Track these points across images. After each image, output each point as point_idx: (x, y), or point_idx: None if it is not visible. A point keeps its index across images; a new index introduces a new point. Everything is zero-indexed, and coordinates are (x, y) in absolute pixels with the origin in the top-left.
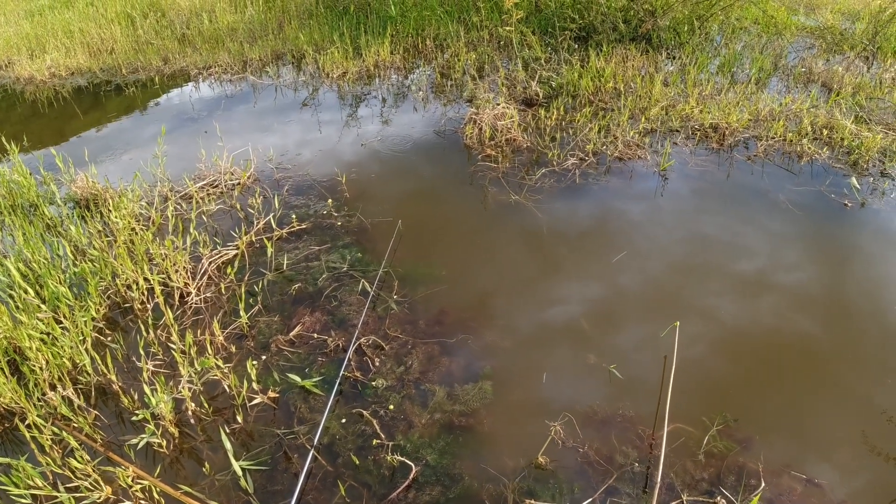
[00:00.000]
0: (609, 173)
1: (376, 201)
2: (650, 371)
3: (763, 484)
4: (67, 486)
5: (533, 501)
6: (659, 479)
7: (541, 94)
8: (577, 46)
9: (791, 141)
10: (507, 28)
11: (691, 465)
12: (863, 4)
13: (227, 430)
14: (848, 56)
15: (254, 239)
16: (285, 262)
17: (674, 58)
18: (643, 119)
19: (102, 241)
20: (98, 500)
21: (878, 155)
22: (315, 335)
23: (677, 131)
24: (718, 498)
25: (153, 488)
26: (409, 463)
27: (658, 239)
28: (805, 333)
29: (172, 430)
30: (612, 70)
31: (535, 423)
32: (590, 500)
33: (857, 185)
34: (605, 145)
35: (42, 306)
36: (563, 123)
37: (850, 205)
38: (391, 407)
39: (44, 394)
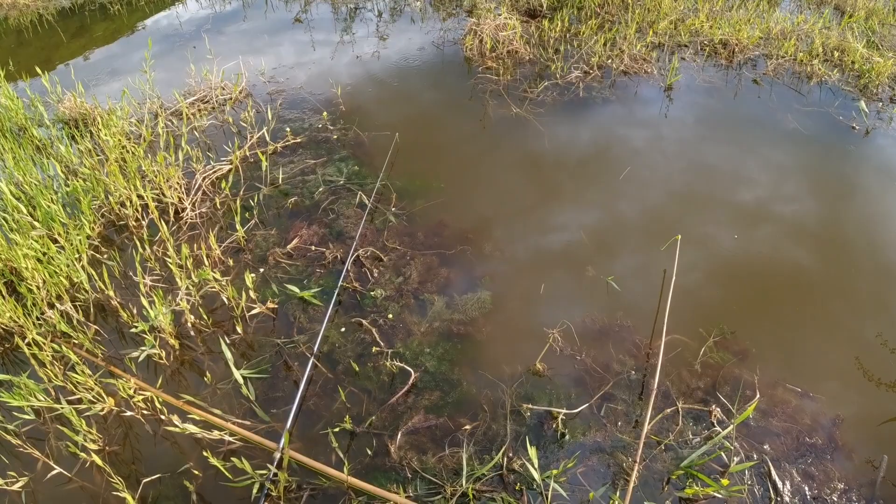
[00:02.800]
0: (614, 87)
1: (373, 115)
2: (649, 284)
3: (758, 395)
4: (69, 398)
5: (530, 406)
6: (655, 386)
7: (545, 5)
8: None
9: (801, 61)
10: None
11: (687, 374)
12: None
13: (227, 341)
14: None
15: (248, 153)
16: (281, 176)
17: None
18: (651, 32)
19: (93, 160)
20: (101, 412)
21: (888, 80)
22: (312, 248)
23: (686, 46)
24: (713, 406)
25: (155, 399)
26: (409, 369)
27: (661, 158)
28: (803, 259)
29: (172, 342)
30: None
31: (533, 331)
32: (586, 405)
33: (866, 109)
34: (611, 59)
35: (36, 225)
36: (568, 36)
37: (857, 128)
38: (390, 316)
39: (42, 312)
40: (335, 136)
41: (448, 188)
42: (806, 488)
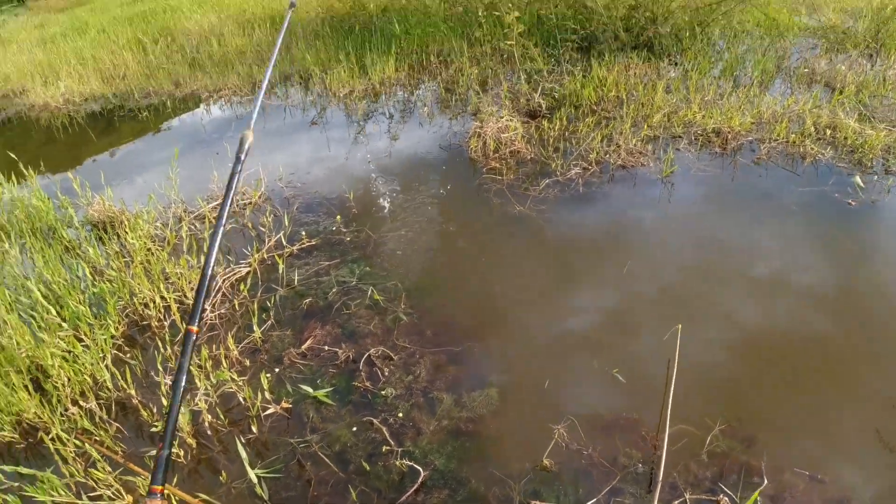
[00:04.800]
0: (613, 181)
1: (383, 217)
2: (654, 374)
3: (765, 481)
4: (90, 495)
5: (538, 503)
6: (660, 479)
7: (544, 106)
8: (579, 57)
9: (794, 142)
10: (509, 42)
11: (694, 464)
12: (865, 2)
13: (243, 441)
14: (851, 55)
15: (265, 256)
16: (296, 277)
17: (676, 64)
18: (645, 126)
19: (120, 262)
20: None
21: (881, 152)
22: (326, 347)
23: (680, 137)
24: (721, 496)
25: (172, 497)
26: (418, 468)
27: (661, 244)
28: (806, 334)
29: (190, 440)
30: (615, 78)
31: (539, 427)
32: (594, 500)
33: (861, 184)
34: (608, 153)
35: (63, 325)
36: (567, 134)
37: (853, 203)
38: (400, 415)
39: (66, 409)
40: (348, 239)
41: (455, 286)
42: None
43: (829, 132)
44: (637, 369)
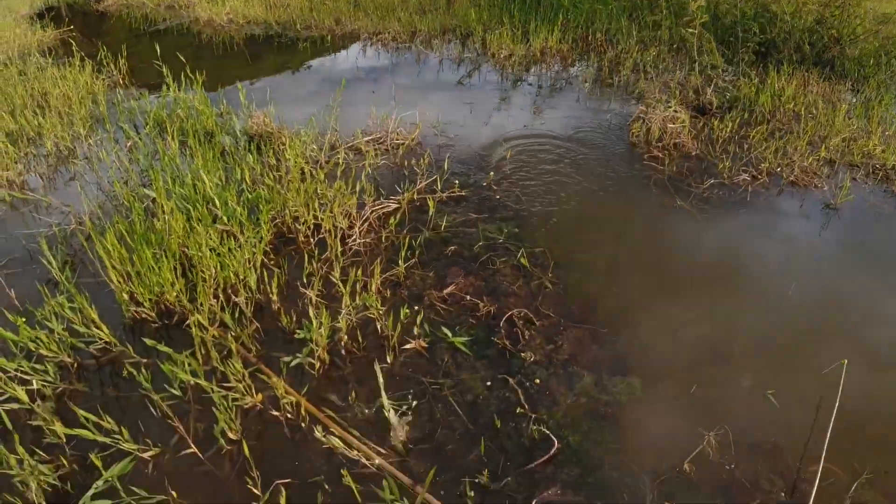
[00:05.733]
0: (781, 195)
1: (536, 183)
2: (805, 404)
3: None
4: (222, 384)
5: None
6: None
7: (714, 104)
8: (755, 60)
9: None
10: (690, 29)
11: None
12: None
13: (378, 367)
14: None
15: (415, 197)
16: (443, 223)
17: (857, 90)
18: (823, 148)
19: (276, 174)
20: (246, 405)
21: None
22: (468, 297)
23: (857, 167)
24: None
25: (301, 405)
26: (553, 437)
27: (824, 273)
28: None
29: (324, 356)
30: (793, 91)
31: (679, 431)
32: None
33: None
34: (781, 167)
35: (224, 218)
36: (737, 137)
37: None
38: (537, 381)
39: (208, 300)
40: (498, 197)
41: (605, 266)
42: None
43: None
44: (788, 397)
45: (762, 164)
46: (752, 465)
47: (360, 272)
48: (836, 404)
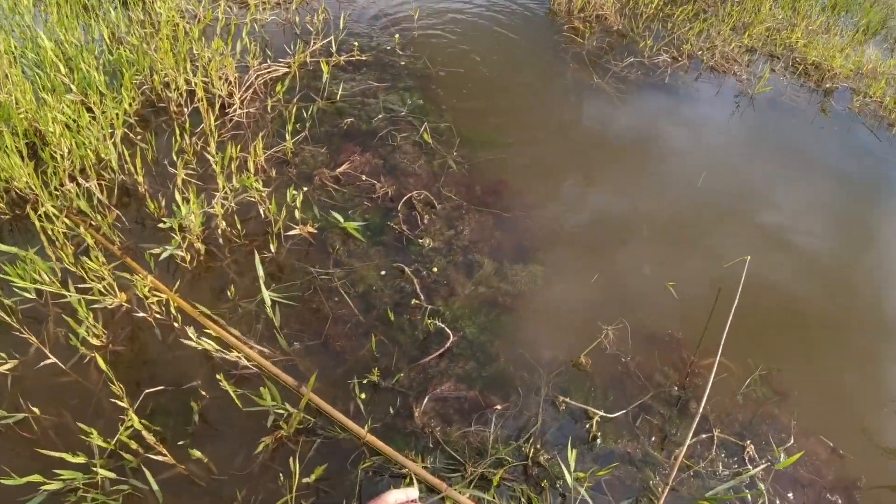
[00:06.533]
0: (700, 80)
1: (445, 51)
2: (703, 297)
3: (792, 441)
4: (78, 286)
5: (567, 400)
6: (700, 411)
7: None
8: None
9: (888, 107)
10: None
11: (728, 402)
12: None
13: (259, 257)
14: None
15: (308, 60)
16: (339, 92)
17: None
18: (746, 35)
19: (143, 31)
20: (109, 306)
21: None
22: (363, 177)
23: (778, 58)
24: (748, 442)
25: (171, 303)
26: (448, 330)
27: (734, 165)
28: (861, 309)
29: (199, 245)
30: None
31: (580, 321)
32: (623, 411)
33: None
34: (702, 51)
35: (73, 88)
36: (662, 15)
37: None
38: (435, 269)
39: (62, 184)
40: (403, 63)
41: (514, 145)
42: None
43: None
44: (689, 288)
45: (684, 46)
46: (649, 359)
47: (240, 148)
48: (736, 300)
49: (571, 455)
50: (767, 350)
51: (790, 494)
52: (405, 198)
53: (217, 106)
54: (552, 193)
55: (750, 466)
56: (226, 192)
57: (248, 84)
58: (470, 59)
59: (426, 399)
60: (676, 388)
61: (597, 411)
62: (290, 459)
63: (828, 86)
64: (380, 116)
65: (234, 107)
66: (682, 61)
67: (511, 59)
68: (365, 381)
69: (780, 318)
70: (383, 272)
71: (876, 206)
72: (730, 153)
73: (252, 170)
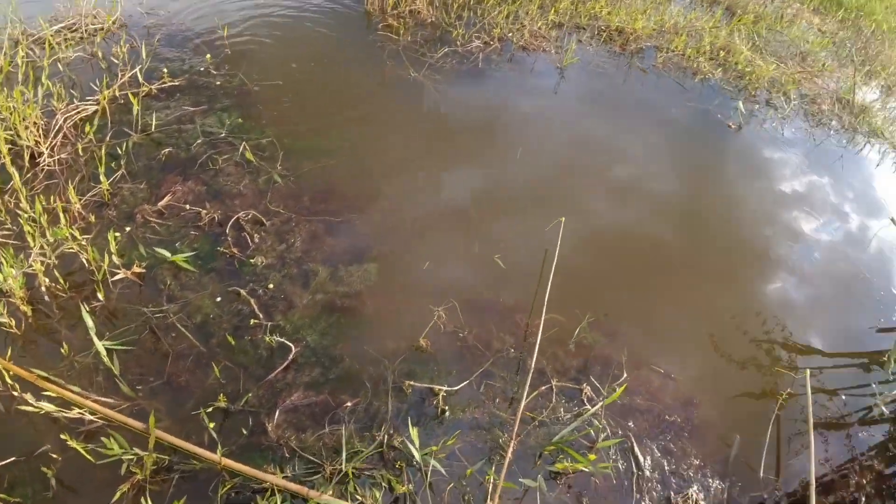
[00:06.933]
0: (512, 61)
1: (262, 63)
2: (533, 262)
3: (625, 374)
4: None
5: (412, 383)
6: (532, 365)
7: None
8: None
9: (689, 57)
10: None
11: (562, 353)
12: None
13: (87, 308)
14: None
15: (117, 94)
16: (154, 122)
17: None
18: (552, 11)
19: None
20: None
21: (767, 84)
22: (188, 206)
23: (584, 29)
24: (584, 385)
25: (4, 372)
26: (288, 344)
27: (550, 136)
28: (672, 242)
29: (24, 308)
30: None
31: (417, 307)
32: (466, 382)
33: (743, 110)
34: (512, 32)
35: None
36: (472, 3)
37: (732, 126)
38: (271, 286)
39: None
40: (218, 83)
41: (338, 151)
42: (665, 464)
43: (722, 54)
44: (517, 257)
45: (494, 31)
46: (485, 329)
47: (53, 198)
48: (555, 259)
49: (414, 432)
50: (594, 299)
51: (630, 423)
52: (232, 220)
53: (27, 157)
54: (380, 191)
55: (589, 406)
56: (42, 248)
57: (56, 129)
58: (287, 68)
59: (277, 413)
60: (513, 351)
61: (441, 387)
62: (142, 500)
63: (633, 47)
64: (199, 142)
65: (44, 156)
66: (493, 45)
67: (328, 64)
68: (213, 409)
69: (605, 269)
70: (219, 298)
71: (681, 148)
72: (546, 124)
73: (67, 219)
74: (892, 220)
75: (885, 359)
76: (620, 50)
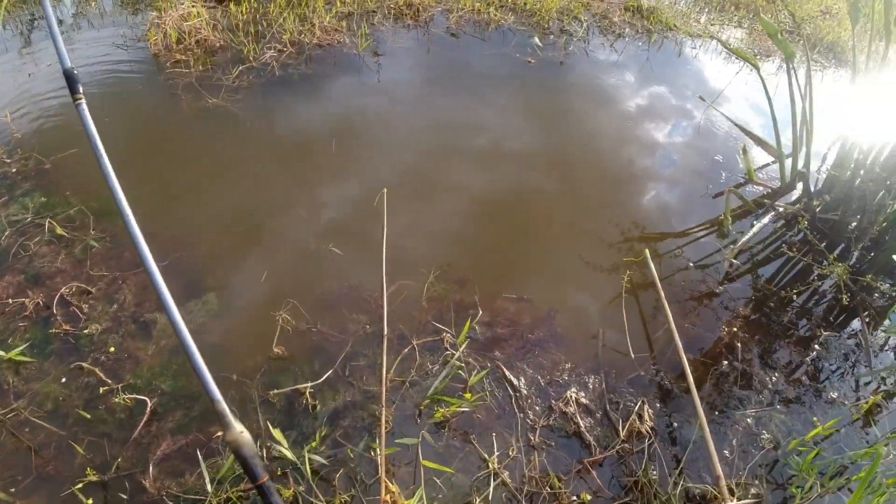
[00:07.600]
0: (311, 61)
1: (54, 135)
2: (371, 242)
3: (480, 311)
4: None
5: (276, 391)
6: (385, 332)
7: None
8: None
9: (479, 10)
10: None
11: (417, 312)
12: None
13: None
14: None
15: None
16: None
17: None
18: (339, 3)
19: None
20: None
21: (556, 14)
22: (10, 301)
23: (374, 12)
24: (444, 334)
25: None
26: (142, 398)
27: (361, 117)
28: (491, 180)
29: None
30: None
31: (265, 319)
32: (330, 371)
33: (539, 43)
34: (303, 33)
35: None
36: (258, 16)
37: (532, 61)
38: (112, 349)
39: None
40: (14, 169)
41: (149, 196)
42: (539, 378)
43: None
44: (353, 240)
45: (284, 36)
46: (337, 316)
47: None
48: (385, 230)
49: (278, 433)
50: (441, 255)
51: (497, 353)
52: (56, 298)
53: None
54: (200, 221)
55: (452, 352)
56: None
57: None
58: (79, 133)
59: (151, 467)
60: (369, 326)
61: (304, 385)
62: None
63: (424, 17)
64: (6, 234)
65: None
66: (287, 50)
67: (122, 115)
68: (86, 485)
69: (436, 224)
70: (64, 379)
71: (492, 93)
72: (357, 110)
73: None
74: (701, 97)
75: (722, 218)
76: (414, 22)
